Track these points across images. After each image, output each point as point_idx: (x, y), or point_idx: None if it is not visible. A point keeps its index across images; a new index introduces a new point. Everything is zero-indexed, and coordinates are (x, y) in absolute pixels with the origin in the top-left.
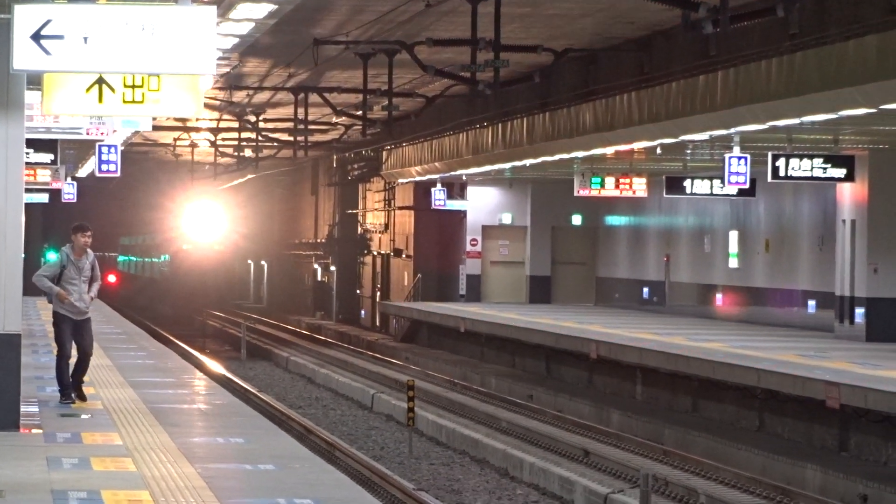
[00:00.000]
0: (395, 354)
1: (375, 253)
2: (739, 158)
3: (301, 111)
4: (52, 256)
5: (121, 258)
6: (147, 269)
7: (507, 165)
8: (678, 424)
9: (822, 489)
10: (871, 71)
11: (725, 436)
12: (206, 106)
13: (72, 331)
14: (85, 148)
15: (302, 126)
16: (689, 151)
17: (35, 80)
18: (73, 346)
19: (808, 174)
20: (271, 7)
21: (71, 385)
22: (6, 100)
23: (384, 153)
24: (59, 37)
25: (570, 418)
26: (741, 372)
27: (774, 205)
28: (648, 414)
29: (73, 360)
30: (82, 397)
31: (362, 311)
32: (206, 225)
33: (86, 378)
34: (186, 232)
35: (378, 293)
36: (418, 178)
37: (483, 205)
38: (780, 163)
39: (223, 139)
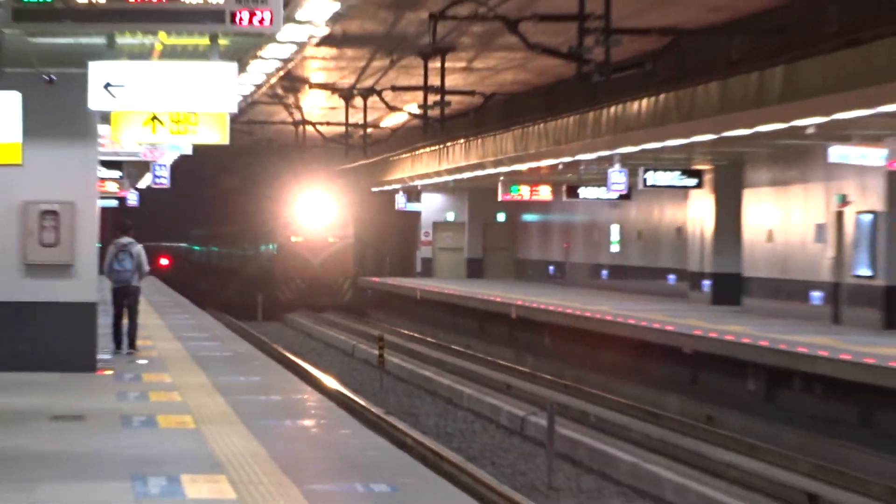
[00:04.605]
0: (369, 316)
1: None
2: (619, 171)
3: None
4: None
5: (196, 248)
6: (238, 260)
7: (451, 178)
8: (576, 367)
9: (681, 411)
10: (715, 108)
11: (612, 375)
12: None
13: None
14: (143, 166)
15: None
16: (582, 168)
17: (105, 117)
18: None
19: (669, 183)
20: (277, 64)
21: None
22: (86, 131)
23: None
24: (122, 85)
25: (497, 361)
26: (623, 328)
27: (645, 205)
28: (554, 358)
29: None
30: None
31: None
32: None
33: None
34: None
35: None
36: (385, 188)
37: (433, 206)
38: (649, 175)
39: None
